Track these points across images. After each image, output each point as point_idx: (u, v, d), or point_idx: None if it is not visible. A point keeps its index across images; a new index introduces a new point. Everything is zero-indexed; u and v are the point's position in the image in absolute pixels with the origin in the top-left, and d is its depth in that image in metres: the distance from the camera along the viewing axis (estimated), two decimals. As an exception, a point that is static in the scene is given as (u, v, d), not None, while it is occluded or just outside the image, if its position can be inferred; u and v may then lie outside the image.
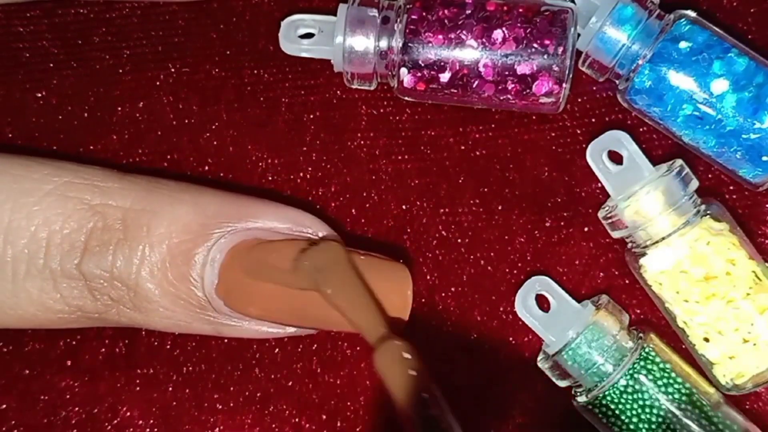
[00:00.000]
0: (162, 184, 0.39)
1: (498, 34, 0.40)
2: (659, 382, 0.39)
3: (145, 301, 0.38)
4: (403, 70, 0.41)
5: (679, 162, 0.39)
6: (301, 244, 0.37)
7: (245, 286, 0.37)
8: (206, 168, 0.43)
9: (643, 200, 0.39)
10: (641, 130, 0.43)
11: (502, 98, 0.41)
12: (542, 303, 0.41)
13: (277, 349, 0.42)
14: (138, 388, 0.42)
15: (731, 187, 0.42)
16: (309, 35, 0.42)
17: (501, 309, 0.42)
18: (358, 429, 0.42)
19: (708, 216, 0.39)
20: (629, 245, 0.40)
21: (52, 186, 0.38)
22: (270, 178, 0.43)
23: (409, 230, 0.43)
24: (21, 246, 0.37)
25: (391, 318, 0.37)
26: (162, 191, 0.38)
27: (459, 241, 0.43)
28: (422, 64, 0.40)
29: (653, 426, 0.39)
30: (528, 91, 0.40)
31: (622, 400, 0.39)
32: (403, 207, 0.43)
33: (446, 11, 0.40)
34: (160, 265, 0.37)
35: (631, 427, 0.39)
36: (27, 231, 0.37)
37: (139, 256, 0.37)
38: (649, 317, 0.42)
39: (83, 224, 0.38)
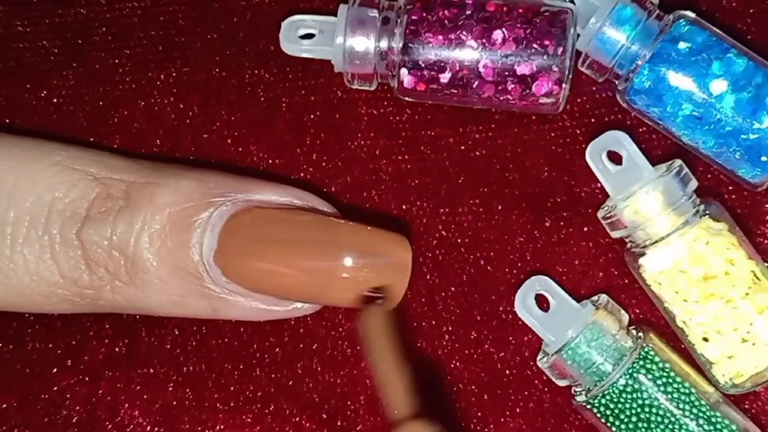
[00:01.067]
0: (166, 164, 0.40)
1: (498, 34, 0.40)
2: (658, 382, 0.39)
3: (141, 271, 0.38)
4: (404, 71, 0.41)
5: (678, 162, 0.39)
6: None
7: (246, 255, 0.38)
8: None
9: (643, 200, 0.39)
10: (640, 130, 0.43)
11: (502, 98, 0.41)
12: (542, 303, 0.41)
13: (277, 349, 0.42)
14: (138, 388, 0.42)
15: (730, 187, 0.42)
16: (309, 35, 0.42)
17: (501, 309, 0.42)
18: (358, 428, 0.42)
19: (707, 216, 0.39)
20: (628, 245, 0.40)
21: (60, 157, 0.39)
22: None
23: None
24: (24, 209, 0.38)
25: (391, 288, 0.38)
26: (167, 168, 0.39)
27: (459, 241, 0.43)
28: (422, 65, 0.40)
29: (652, 425, 0.39)
30: (528, 91, 0.41)
31: (622, 400, 0.39)
32: (403, 207, 0.43)
33: (446, 12, 0.40)
34: (160, 232, 0.38)
35: (630, 426, 0.39)
36: (31, 194, 0.38)
37: (139, 222, 0.38)
38: (648, 317, 0.42)
39: (87, 193, 0.38)
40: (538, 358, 0.41)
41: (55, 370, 0.42)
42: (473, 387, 0.42)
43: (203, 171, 0.40)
